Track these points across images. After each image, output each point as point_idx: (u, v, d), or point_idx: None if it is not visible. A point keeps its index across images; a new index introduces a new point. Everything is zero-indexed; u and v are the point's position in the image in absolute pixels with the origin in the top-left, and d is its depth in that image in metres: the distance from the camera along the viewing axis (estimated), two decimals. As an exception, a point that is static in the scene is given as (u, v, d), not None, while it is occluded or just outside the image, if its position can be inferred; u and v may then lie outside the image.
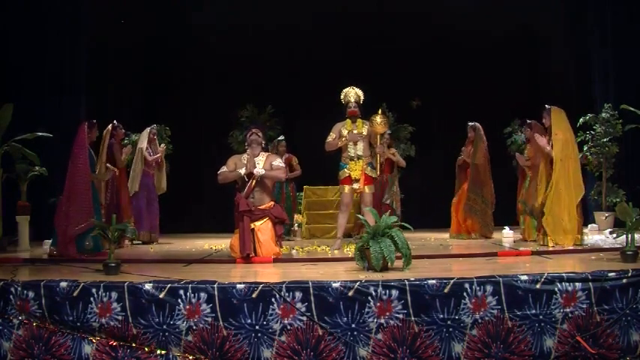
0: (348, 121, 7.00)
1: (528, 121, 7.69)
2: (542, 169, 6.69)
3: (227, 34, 11.08)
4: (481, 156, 8.30)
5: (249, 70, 11.04)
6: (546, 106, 6.68)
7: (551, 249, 6.25)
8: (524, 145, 8.40)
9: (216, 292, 4.10)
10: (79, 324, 4.15)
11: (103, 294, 4.15)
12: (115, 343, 4.12)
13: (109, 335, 4.13)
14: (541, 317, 4.06)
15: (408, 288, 4.07)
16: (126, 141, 9.37)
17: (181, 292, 4.11)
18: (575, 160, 6.54)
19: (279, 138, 9.22)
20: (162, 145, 9.17)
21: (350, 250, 6.34)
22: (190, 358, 4.08)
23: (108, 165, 7.49)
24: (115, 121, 7.75)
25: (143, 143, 8.62)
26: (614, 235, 5.48)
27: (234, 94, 10.97)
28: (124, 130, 8.19)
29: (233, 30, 11.00)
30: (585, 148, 9.48)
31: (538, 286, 4.10)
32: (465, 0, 10.56)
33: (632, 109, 8.92)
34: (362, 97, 7.07)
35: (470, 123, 8.50)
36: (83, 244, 6.19)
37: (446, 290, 4.07)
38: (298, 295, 4.07)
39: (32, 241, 7.59)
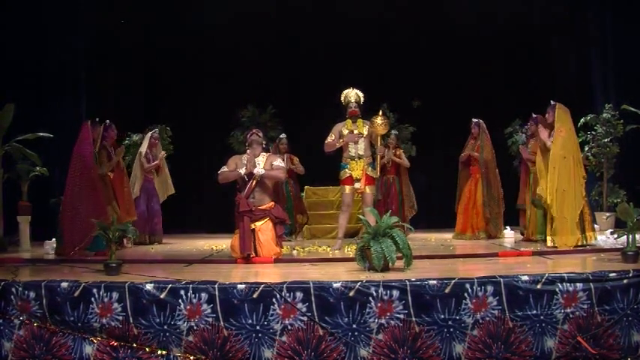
0: (349, 121, 7.00)
1: (534, 115, 7.63)
2: (540, 163, 6.55)
3: (228, 34, 11.06)
4: (489, 150, 8.31)
5: (249, 70, 11.03)
6: (551, 102, 6.62)
7: (552, 249, 6.24)
8: (524, 144, 8.40)
9: (217, 293, 4.10)
10: (79, 324, 4.15)
11: (104, 294, 4.15)
12: (115, 344, 4.12)
13: (109, 335, 4.14)
14: (542, 317, 4.06)
15: (408, 288, 4.08)
16: (126, 141, 9.35)
17: (182, 292, 4.12)
18: (579, 160, 6.46)
19: (280, 136, 9.19)
20: (163, 152, 9.05)
21: (351, 251, 6.34)
22: (191, 358, 4.09)
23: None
24: (107, 121, 7.50)
25: (143, 147, 8.60)
26: (615, 236, 5.49)
27: (234, 94, 10.94)
28: (116, 131, 7.77)
29: (233, 30, 10.98)
30: (586, 148, 9.47)
31: (539, 286, 4.10)
32: (466, 0, 10.56)
33: (632, 109, 8.92)
34: (362, 98, 7.07)
35: (474, 119, 8.51)
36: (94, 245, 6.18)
37: (447, 290, 4.08)
38: (299, 295, 4.08)
39: (33, 242, 7.57)
